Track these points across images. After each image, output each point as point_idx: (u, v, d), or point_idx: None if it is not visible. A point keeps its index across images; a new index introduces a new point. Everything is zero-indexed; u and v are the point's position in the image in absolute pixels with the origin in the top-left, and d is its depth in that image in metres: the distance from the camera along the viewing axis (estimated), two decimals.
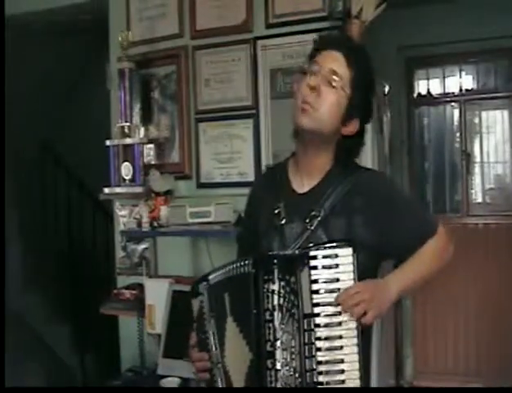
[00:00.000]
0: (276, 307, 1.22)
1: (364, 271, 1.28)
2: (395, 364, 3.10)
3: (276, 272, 1.23)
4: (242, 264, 1.27)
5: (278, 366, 1.21)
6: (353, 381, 1.21)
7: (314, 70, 1.37)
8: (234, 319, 1.30)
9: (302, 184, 1.44)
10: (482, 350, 3.79)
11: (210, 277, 1.37)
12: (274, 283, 1.22)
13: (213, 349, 1.35)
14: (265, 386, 1.21)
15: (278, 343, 1.21)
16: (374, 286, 1.29)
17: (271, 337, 1.21)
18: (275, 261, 1.24)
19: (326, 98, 1.35)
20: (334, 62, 1.36)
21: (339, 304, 1.22)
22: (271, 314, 1.22)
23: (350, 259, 1.23)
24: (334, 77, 1.35)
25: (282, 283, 1.22)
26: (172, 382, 2.19)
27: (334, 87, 1.35)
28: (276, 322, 1.22)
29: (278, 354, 1.21)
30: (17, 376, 3.03)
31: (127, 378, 2.40)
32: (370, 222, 1.35)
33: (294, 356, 1.21)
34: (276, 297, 1.22)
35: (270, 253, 1.33)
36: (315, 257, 1.24)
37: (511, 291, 3.69)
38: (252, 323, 1.23)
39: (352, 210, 1.36)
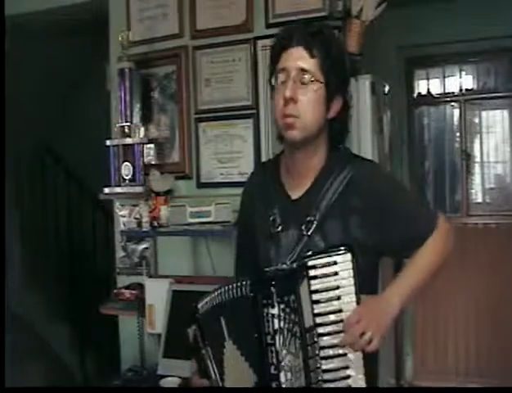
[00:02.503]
0: (278, 331, 1.19)
1: (364, 273, 1.25)
2: (395, 364, 3.10)
3: (274, 295, 1.19)
4: (239, 286, 1.24)
5: (283, 386, 1.19)
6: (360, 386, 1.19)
7: (282, 78, 1.32)
8: (234, 342, 1.27)
9: (295, 187, 1.39)
10: (482, 350, 3.78)
11: (200, 304, 1.34)
12: (274, 307, 1.19)
13: (213, 375, 1.32)
14: None
15: (282, 364, 1.19)
16: (374, 307, 1.25)
17: (275, 360, 1.19)
18: (273, 282, 1.20)
19: (305, 100, 1.30)
20: (298, 60, 1.30)
21: (340, 311, 1.20)
22: (273, 338, 1.19)
23: (349, 264, 1.20)
24: (304, 75, 1.30)
25: (282, 306, 1.19)
26: (172, 382, 2.19)
27: (307, 83, 1.30)
28: (278, 346, 1.19)
29: (282, 376, 1.19)
30: (17, 376, 3.03)
31: (127, 378, 2.40)
32: (367, 221, 1.31)
33: (298, 375, 1.19)
34: (276, 321, 1.19)
35: (267, 272, 1.29)
36: (313, 267, 1.21)
37: (511, 291, 3.70)
38: (253, 347, 1.21)
39: (349, 210, 1.32)
